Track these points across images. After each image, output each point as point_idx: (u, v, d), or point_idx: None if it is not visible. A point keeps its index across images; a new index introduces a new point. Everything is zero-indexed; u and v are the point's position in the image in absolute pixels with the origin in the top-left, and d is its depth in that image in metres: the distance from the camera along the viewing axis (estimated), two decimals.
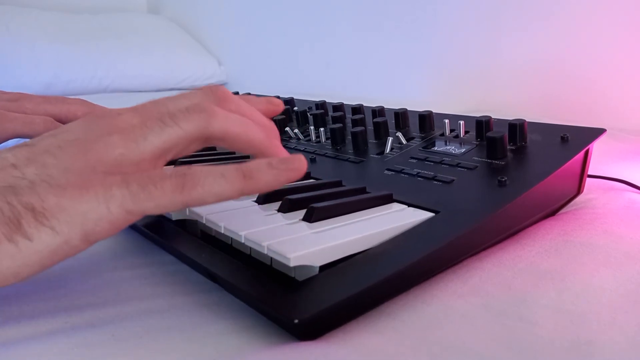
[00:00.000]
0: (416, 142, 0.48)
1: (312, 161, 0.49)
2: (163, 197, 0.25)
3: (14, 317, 0.29)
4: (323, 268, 0.28)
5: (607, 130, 0.43)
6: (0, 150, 0.27)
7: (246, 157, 0.46)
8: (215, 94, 0.30)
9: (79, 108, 0.59)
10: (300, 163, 0.27)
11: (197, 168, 0.26)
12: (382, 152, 0.47)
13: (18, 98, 0.58)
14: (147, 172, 0.26)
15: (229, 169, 0.26)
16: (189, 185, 0.25)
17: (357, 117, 0.53)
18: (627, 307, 0.28)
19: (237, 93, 0.80)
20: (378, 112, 0.54)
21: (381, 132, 0.50)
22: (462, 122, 0.47)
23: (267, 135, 0.29)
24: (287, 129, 0.58)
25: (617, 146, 0.66)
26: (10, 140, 0.56)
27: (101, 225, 0.24)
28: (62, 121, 0.58)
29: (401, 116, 0.52)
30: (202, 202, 0.26)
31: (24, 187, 0.24)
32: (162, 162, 0.28)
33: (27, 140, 0.28)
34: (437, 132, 0.49)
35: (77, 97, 0.76)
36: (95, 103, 0.67)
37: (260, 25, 1.59)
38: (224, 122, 0.28)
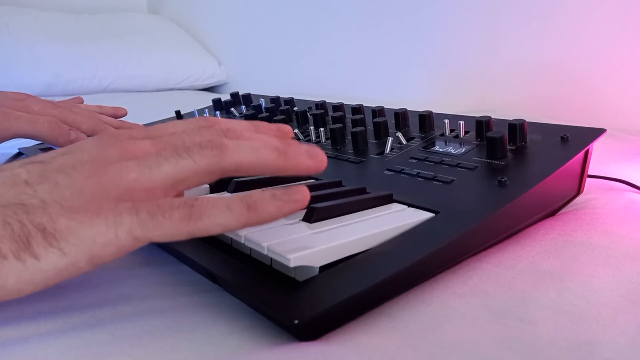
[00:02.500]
0: (416, 142, 0.48)
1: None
2: (170, 227, 0.25)
3: (14, 317, 0.29)
4: (323, 268, 0.28)
5: (607, 130, 0.43)
6: (12, 164, 0.27)
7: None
8: (227, 135, 0.30)
9: (83, 121, 0.59)
10: (302, 194, 0.28)
11: (204, 199, 0.26)
12: (382, 152, 0.47)
13: (25, 98, 0.58)
14: (157, 201, 0.26)
15: (235, 200, 0.27)
16: (196, 216, 0.26)
17: (357, 117, 0.53)
18: (627, 307, 0.28)
19: (237, 93, 0.80)
20: (378, 112, 0.54)
21: (381, 132, 0.50)
22: (462, 122, 0.47)
23: (279, 154, 0.29)
24: None
25: (617, 146, 0.66)
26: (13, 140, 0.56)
27: (108, 250, 0.25)
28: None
29: (401, 116, 0.52)
30: (207, 233, 0.26)
31: (36, 207, 0.25)
32: (173, 192, 0.28)
33: (41, 155, 0.28)
34: (437, 132, 0.49)
35: (77, 96, 0.76)
36: (100, 114, 0.67)
37: (260, 25, 1.59)
38: (235, 155, 0.28)
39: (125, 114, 0.74)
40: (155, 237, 0.25)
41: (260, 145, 0.29)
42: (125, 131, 0.30)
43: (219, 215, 0.26)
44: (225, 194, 0.39)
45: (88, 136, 0.60)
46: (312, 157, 0.30)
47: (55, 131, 0.54)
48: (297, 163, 0.29)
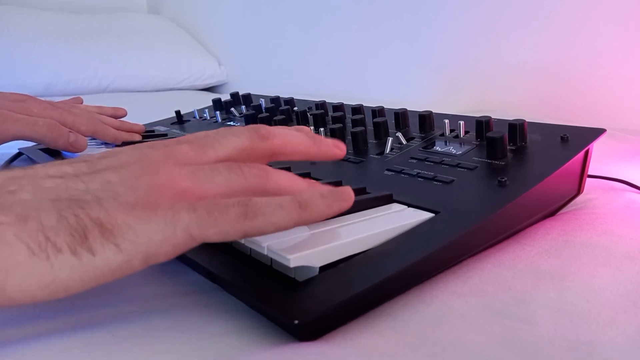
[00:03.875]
0: (416, 142, 0.48)
1: (312, 162, 0.49)
2: (226, 225, 0.25)
3: (14, 317, 0.29)
4: (323, 268, 0.28)
5: (607, 130, 0.43)
6: (54, 162, 0.27)
7: None
8: (259, 133, 0.31)
9: (83, 122, 0.59)
10: (348, 194, 0.29)
11: (257, 199, 0.26)
12: (382, 152, 0.47)
13: (24, 99, 0.58)
14: (212, 200, 0.26)
15: (287, 199, 0.27)
16: (251, 215, 0.25)
17: (357, 117, 0.53)
18: (627, 307, 0.28)
19: (237, 93, 0.80)
20: (378, 112, 0.54)
21: (381, 132, 0.50)
22: (462, 122, 0.47)
23: (313, 185, 0.31)
24: None
25: (617, 146, 0.66)
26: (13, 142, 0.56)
27: (164, 248, 0.24)
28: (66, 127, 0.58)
29: (401, 116, 0.52)
30: (261, 232, 0.26)
31: (90, 202, 0.24)
32: None
33: (81, 157, 0.28)
34: (437, 132, 0.49)
35: (77, 96, 0.76)
36: (100, 114, 0.67)
37: (260, 25, 1.59)
38: (277, 178, 0.29)
39: (125, 115, 0.74)
40: (210, 236, 0.25)
41: (296, 177, 0.30)
42: (158, 141, 0.30)
43: (273, 214, 0.26)
44: None
45: (88, 137, 0.60)
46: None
47: (54, 133, 0.54)
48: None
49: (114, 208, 0.24)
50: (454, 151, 0.44)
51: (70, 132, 0.56)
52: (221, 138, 0.30)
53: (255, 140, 0.31)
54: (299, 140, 0.33)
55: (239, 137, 0.30)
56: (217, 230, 0.25)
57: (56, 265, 0.22)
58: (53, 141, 0.55)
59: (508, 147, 0.42)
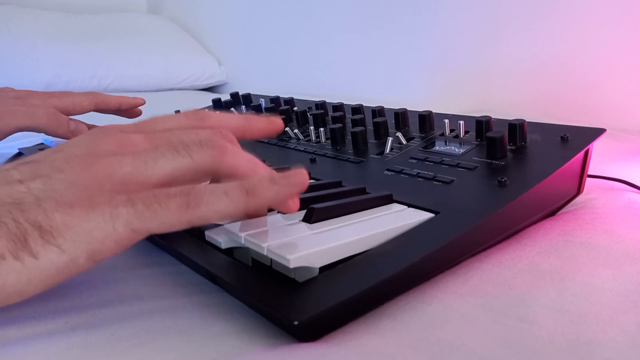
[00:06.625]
0: (416, 142, 0.48)
1: (312, 161, 0.49)
2: (168, 216, 0.25)
3: (14, 317, 0.29)
4: (323, 269, 0.28)
5: (607, 130, 0.43)
6: (4, 166, 0.27)
7: None
8: (196, 115, 0.32)
9: (84, 99, 0.60)
10: (301, 177, 0.27)
11: (201, 186, 0.26)
12: (382, 152, 0.47)
13: (25, 95, 0.59)
14: (152, 191, 0.26)
15: (232, 186, 0.26)
16: (193, 204, 0.25)
17: (357, 117, 0.53)
18: (627, 307, 0.28)
19: (237, 93, 0.80)
20: (378, 112, 0.54)
21: (381, 132, 0.50)
22: (462, 122, 0.47)
23: (272, 172, 0.30)
24: (287, 129, 0.58)
25: (617, 146, 0.66)
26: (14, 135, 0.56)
27: (107, 244, 0.24)
28: (69, 113, 0.58)
29: (401, 116, 0.52)
30: (206, 221, 0.26)
31: (30, 204, 0.24)
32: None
33: (33, 155, 0.28)
34: (437, 132, 0.49)
35: None
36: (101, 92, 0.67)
37: (260, 25, 1.59)
38: (234, 160, 0.29)
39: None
40: (153, 228, 0.25)
41: (257, 160, 0.30)
42: (115, 125, 0.30)
43: (217, 202, 0.26)
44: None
45: (88, 127, 0.60)
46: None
47: (53, 122, 0.54)
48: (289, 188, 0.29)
49: (52, 209, 0.24)
50: (454, 151, 0.44)
51: (70, 120, 0.56)
52: (184, 135, 0.30)
53: (192, 122, 0.32)
54: (232, 119, 0.33)
55: (178, 119, 0.32)
56: (160, 222, 0.25)
57: (2, 272, 0.23)
58: (53, 130, 0.55)
59: (508, 147, 0.42)
